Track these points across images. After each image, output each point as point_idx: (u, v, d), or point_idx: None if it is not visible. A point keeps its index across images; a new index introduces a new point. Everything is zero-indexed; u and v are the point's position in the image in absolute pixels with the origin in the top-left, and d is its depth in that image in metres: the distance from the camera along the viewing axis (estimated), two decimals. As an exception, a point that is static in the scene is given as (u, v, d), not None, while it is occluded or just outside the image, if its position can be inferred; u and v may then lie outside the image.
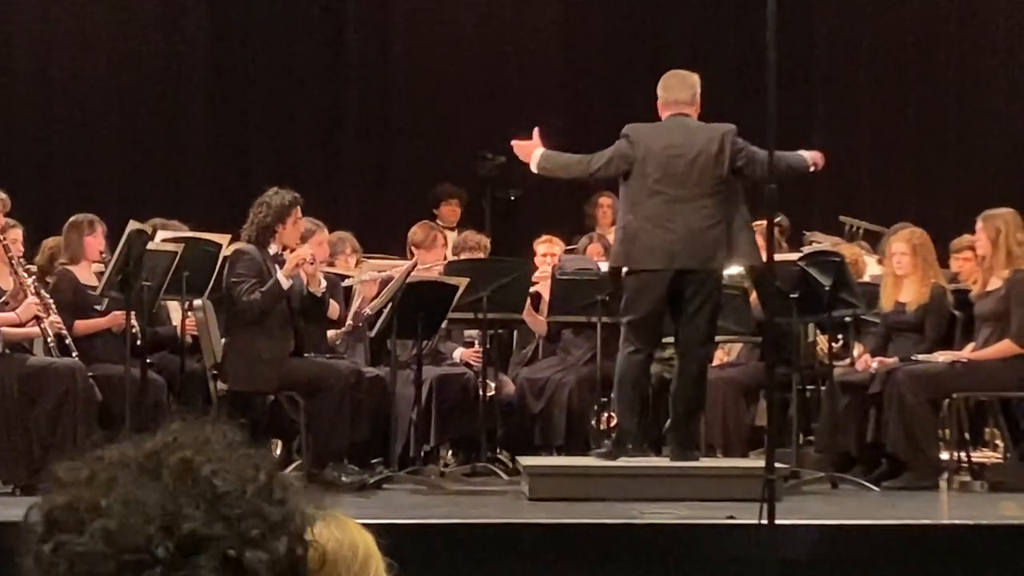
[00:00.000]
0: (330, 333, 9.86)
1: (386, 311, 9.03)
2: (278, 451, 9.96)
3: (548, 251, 10.59)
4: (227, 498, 1.55)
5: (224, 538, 1.52)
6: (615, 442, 8.50)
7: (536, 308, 10.11)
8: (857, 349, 9.78)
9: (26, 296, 8.67)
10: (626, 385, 8.45)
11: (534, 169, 8.72)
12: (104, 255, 9.12)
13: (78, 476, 1.58)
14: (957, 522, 7.35)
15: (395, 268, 9.81)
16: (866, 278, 10.01)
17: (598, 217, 12.08)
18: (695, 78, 8.70)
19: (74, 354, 8.66)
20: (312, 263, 8.98)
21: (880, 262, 10.22)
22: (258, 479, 1.58)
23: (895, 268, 9.41)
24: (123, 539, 1.51)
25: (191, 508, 1.53)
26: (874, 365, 9.18)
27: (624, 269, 8.53)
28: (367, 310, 9.44)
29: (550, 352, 10.40)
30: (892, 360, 9.17)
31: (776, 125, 6.85)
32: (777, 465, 6.86)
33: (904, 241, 9.43)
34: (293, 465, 9.41)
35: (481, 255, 10.32)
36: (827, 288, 9.04)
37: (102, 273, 8.90)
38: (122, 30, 13.70)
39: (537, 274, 10.15)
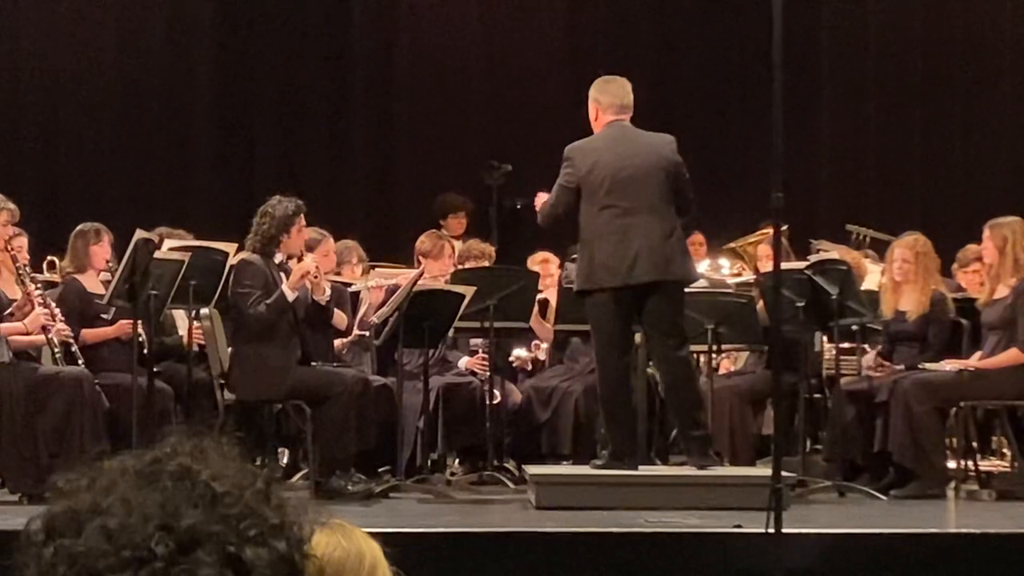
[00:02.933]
0: (337, 342, 9.86)
1: (392, 320, 9.03)
2: (285, 460, 9.97)
3: (546, 272, 10.55)
4: (226, 498, 1.55)
5: (223, 534, 1.53)
6: (611, 456, 8.47)
7: (543, 315, 10.12)
8: (868, 356, 9.77)
9: (33, 306, 8.68)
10: (611, 403, 8.42)
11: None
12: (110, 264, 9.13)
13: (77, 484, 1.58)
14: (964, 531, 7.34)
15: (402, 276, 9.81)
16: (869, 285, 9.98)
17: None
18: (629, 84, 8.66)
19: (81, 363, 8.66)
20: (316, 276, 8.96)
21: (884, 273, 10.20)
22: (256, 485, 1.59)
23: (895, 274, 9.40)
24: (122, 537, 1.51)
25: (190, 508, 1.53)
26: (869, 367, 9.23)
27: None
28: (373, 318, 9.44)
29: (557, 360, 10.41)
30: (893, 367, 9.19)
31: (782, 133, 6.84)
32: (784, 474, 6.84)
33: (907, 248, 9.42)
34: (300, 474, 9.42)
35: (486, 264, 10.32)
36: (834, 296, 9.04)
37: (108, 282, 8.91)
38: (128, 40, 13.71)
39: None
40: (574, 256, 11.05)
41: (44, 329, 8.66)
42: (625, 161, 8.35)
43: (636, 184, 8.32)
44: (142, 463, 1.59)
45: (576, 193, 8.40)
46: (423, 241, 10.44)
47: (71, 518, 1.54)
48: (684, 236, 8.69)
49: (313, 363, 9.01)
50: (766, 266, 9.91)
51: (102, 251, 9.26)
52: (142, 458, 1.60)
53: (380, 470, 9.18)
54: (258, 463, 9.75)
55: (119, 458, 1.62)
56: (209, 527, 1.52)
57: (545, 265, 10.71)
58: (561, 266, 10.66)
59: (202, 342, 9.27)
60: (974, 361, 9.11)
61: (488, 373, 9.74)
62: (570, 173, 8.43)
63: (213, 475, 1.56)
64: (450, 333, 9.57)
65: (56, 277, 9.67)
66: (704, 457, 8.34)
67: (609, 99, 8.57)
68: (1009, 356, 8.97)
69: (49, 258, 10.04)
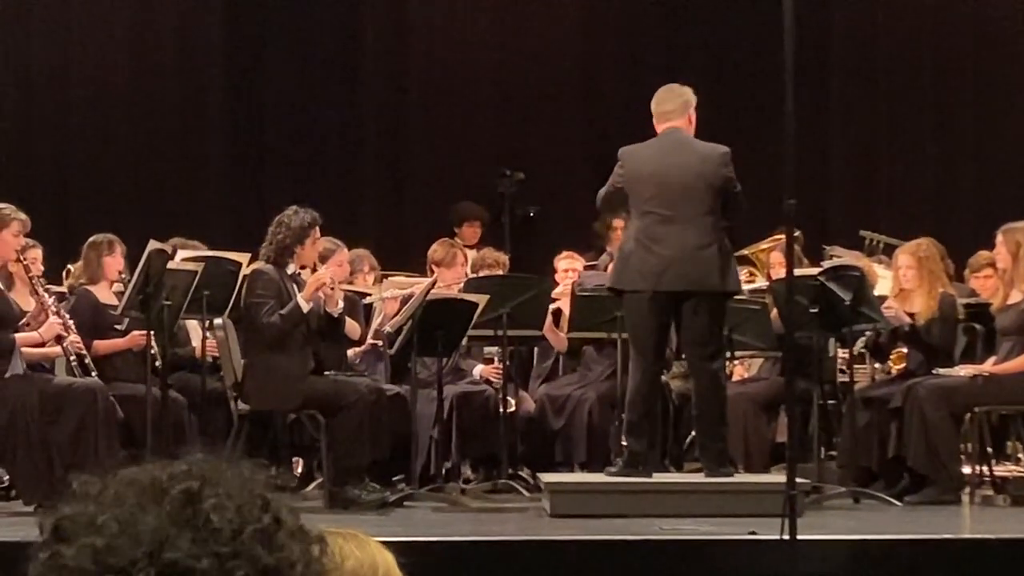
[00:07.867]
0: (350, 352, 9.86)
1: (406, 329, 9.03)
2: (299, 469, 9.97)
3: (570, 267, 10.62)
4: (220, 535, 1.53)
5: (207, 573, 1.51)
6: (626, 463, 8.47)
7: (557, 324, 10.10)
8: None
9: (47, 316, 8.69)
10: (635, 408, 8.42)
11: None
12: (123, 275, 9.14)
13: (89, 490, 1.58)
14: (979, 536, 7.33)
15: (416, 285, 9.81)
16: (881, 291, 9.95)
17: (612, 238, 11.92)
18: (688, 91, 8.64)
19: (94, 374, 8.67)
20: (332, 288, 8.95)
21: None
22: (261, 521, 1.56)
23: (902, 281, 9.39)
24: (108, 558, 1.51)
25: (182, 539, 1.51)
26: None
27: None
28: (387, 328, 9.44)
29: (570, 368, 10.39)
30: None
31: (794, 139, 6.84)
32: (799, 480, 6.84)
33: (910, 254, 9.41)
34: (314, 483, 9.43)
35: (500, 272, 10.31)
36: (847, 302, 9.03)
37: (121, 293, 8.92)
38: (140, 51, 13.74)
39: (558, 290, 10.16)
40: (590, 264, 11.08)
41: (59, 338, 8.67)
42: (669, 170, 8.36)
43: (677, 193, 8.32)
44: (153, 478, 1.57)
45: (624, 194, 8.48)
46: (436, 249, 10.44)
47: (71, 526, 1.54)
48: (731, 245, 8.64)
49: (327, 372, 9.02)
50: (779, 272, 9.89)
51: (115, 262, 9.27)
52: (157, 472, 1.59)
53: (394, 479, 9.19)
54: (273, 474, 9.75)
55: (141, 468, 1.60)
56: (195, 563, 1.50)
57: (571, 261, 10.71)
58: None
59: (215, 352, 9.28)
60: (988, 366, 9.09)
61: (502, 381, 9.74)
62: (619, 175, 8.52)
63: (217, 504, 1.54)
64: (464, 342, 9.57)
65: (64, 288, 9.68)
66: (719, 470, 8.34)
67: (654, 108, 8.64)
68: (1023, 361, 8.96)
69: (68, 267, 10.04)
